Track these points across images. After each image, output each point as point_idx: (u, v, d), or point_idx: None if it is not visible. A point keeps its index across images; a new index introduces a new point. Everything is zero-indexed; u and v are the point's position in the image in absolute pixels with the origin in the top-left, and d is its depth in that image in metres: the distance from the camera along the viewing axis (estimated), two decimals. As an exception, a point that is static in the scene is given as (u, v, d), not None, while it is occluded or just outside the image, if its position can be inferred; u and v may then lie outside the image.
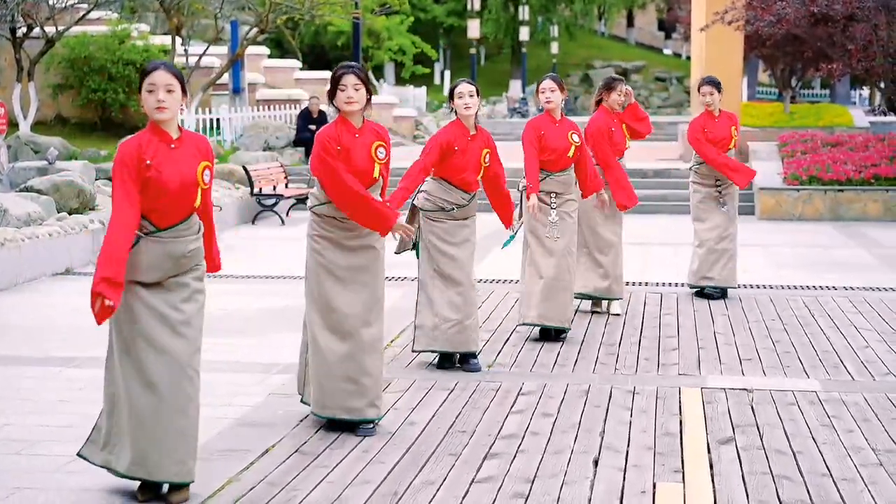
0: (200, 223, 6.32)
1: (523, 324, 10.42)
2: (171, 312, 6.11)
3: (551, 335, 10.42)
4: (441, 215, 9.13)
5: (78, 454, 6.46)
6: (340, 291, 7.45)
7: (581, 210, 11.23)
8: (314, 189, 7.55)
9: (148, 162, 6.01)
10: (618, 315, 11.66)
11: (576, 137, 10.26)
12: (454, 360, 9.34)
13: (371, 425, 7.50)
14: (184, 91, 6.15)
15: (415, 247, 9.13)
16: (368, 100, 7.48)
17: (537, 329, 10.51)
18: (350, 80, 7.40)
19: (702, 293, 12.71)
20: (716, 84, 12.48)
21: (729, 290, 12.68)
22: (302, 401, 7.85)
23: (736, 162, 12.53)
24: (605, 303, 11.82)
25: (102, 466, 6.32)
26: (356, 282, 7.46)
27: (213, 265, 6.66)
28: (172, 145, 6.11)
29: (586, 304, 11.90)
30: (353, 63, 7.59)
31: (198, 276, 6.27)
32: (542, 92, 10.28)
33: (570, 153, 10.24)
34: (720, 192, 12.63)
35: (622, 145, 11.61)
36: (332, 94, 7.51)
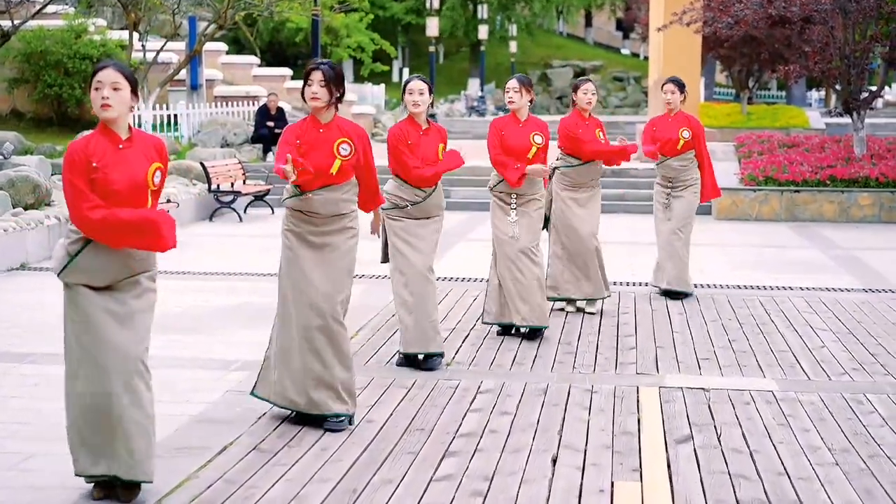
0: None
1: (492, 323, 10.43)
2: (117, 307, 6.04)
3: (521, 334, 10.42)
4: (398, 213, 9.12)
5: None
6: (312, 273, 7.46)
7: (558, 210, 11.34)
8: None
9: (94, 164, 5.91)
10: (593, 314, 11.71)
11: (538, 138, 10.24)
12: (417, 361, 9.28)
13: (341, 419, 7.50)
14: (134, 92, 6.05)
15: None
16: (338, 99, 7.51)
17: (494, 328, 10.53)
18: (317, 76, 7.42)
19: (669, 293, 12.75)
20: (679, 84, 12.53)
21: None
22: (252, 393, 7.82)
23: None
24: (582, 301, 11.89)
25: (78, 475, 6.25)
26: (323, 267, 7.46)
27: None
28: (121, 146, 6.01)
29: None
30: (325, 60, 7.57)
31: (150, 276, 6.19)
32: (507, 92, 10.31)
33: (531, 153, 10.23)
34: (668, 194, 12.71)
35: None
36: (303, 90, 7.54)
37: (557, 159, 11.64)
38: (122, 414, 6.01)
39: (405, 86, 9.12)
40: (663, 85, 12.69)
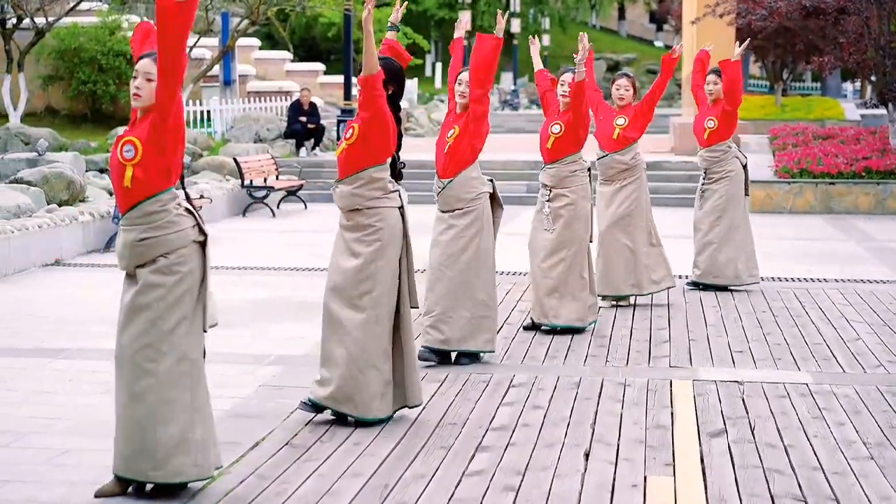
0: (166, 213, 6.01)
1: (538, 324, 10.40)
2: (124, 303, 6.06)
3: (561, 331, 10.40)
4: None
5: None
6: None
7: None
8: None
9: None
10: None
11: (555, 128, 10.22)
12: (450, 357, 9.23)
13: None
14: None
15: None
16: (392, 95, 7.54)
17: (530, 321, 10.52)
18: None
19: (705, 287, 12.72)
20: (719, 73, 12.56)
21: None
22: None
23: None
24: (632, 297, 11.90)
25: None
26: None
27: None
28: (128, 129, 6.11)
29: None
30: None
31: (155, 269, 6.00)
32: (561, 85, 10.34)
33: (549, 144, 10.22)
34: (703, 184, 12.69)
35: (608, 135, 11.59)
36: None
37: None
38: (120, 413, 6.05)
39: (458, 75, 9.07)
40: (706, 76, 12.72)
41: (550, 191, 10.27)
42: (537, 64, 11.05)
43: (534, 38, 11.11)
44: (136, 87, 5.98)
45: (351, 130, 7.40)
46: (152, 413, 5.97)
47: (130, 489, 6.10)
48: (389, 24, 8.46)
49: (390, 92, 7.44)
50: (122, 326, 6.03)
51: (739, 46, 13.13)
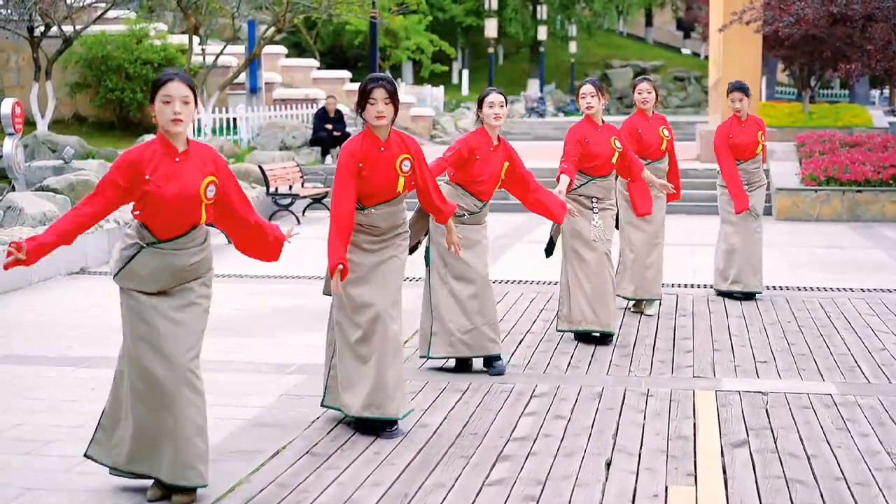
0: (208, 231, 6.24)
1: (568, 330, 10.38)
2: (167, 313, 6.08)
3: (594, 339, 10.38)
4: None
5: (85, 455, 6.46)
6: (362, 287, 7.43)
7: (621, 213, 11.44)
8: None
9: (147, 177, 5.94)
10: (651, 316, 11.67)
11: (618, 143, 10.23)
12: (470, 364, 9.26)
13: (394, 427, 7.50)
14: (195, 101, 6.10)
15: (426, 251, 9.09)
16: (396, 111, 7.38)
17: (569, 334, 10.49)
18: (380, 94, 7.24)
19: (728, 295, 12.68)
20: (744, 90, 12.46)
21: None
22: (323, 404, 7.80)
23: (739, 188, 12.34)
24: (643, 303, 11.86)
25: (111, 467, 6.32)
26: (376, 277, 7.43)
27: (272, 253, 6.66)
28: (177, 159, 6.03)
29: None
30: (382, 75, 7.43)
31: (203, 282, 6.22)
32: (583, 97, 10.22)
33: (614, 159, 10.21)
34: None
35: (655, 146, 11.61)
36: (360, 107, 7.35)
37: None
38: (165, 423, 6.07)
39: (482, 98, 9.00)
40: (729, 93, 12.59)
41: (596, 202, 10.27)
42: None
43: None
44: (174, 113, 5.95)
45: (410, 164, 7.47)
46: (197, 421, 6.12)
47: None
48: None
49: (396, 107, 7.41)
50: (166, 338, 6.05)
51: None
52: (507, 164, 9.04)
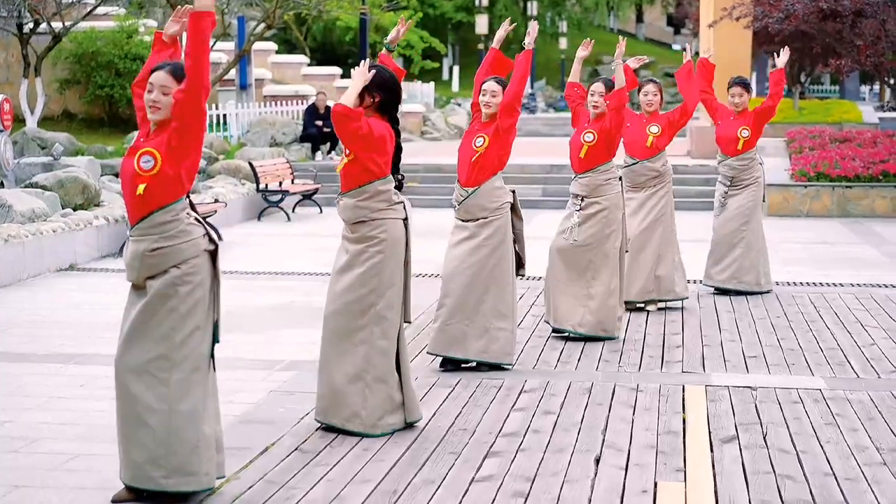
0: (175, 221, 6.00)
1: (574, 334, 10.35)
2: (134, 309, 6.04)
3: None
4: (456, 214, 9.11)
5: None
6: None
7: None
8: None
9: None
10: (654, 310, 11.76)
11: (588, 136, 10.21)
12: (458, 361, 9.19)
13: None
14: None
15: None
16: (378, 102, 7.40)
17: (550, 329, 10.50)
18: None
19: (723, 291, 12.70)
20: (745, 85, 12.48)
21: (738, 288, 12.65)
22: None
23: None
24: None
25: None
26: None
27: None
28: (142, 139, 6.06)
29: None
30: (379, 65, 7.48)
31: (166, 282, 5.97)
32: (591, 95, 10.38)
33: (582, 153, 10.20)
34: (726, 192, 12.62)
35: (641, 142, 11.57)
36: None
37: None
38: (130, 423, 6.03)
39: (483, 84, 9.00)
40: (729, 87, 12.58)
41: (582, 200, 10.24)
42: (575, 76, 10.94)
43: (587, 44, 10.85)
44: (152, 101, 5.96)
45: (347, 150, 7.34)
46: (166, 423, 5.97)
47: (145, 494, 6.09)
48: (386, 44, 8.27)
49: (377, 100, 7.34)
50: (132, 338, 5.99)
51: (780, 55, 12.85)
52: (480, 136, 8.94)
